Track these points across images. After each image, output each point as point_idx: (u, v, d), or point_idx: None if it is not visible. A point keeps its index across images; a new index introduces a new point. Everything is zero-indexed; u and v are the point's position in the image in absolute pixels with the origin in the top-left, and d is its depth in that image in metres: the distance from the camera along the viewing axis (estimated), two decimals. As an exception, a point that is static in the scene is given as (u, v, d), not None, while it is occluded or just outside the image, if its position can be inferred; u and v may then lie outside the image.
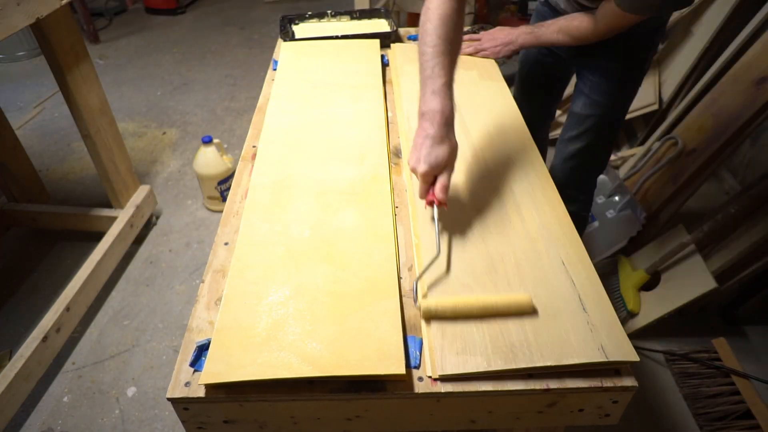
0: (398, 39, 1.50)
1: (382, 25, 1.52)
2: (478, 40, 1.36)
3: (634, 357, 0.64)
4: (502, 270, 0.77)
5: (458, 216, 0.87)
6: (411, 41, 1.51)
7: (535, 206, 0.89)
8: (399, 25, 3.11)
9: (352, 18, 1.56)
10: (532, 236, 0.83)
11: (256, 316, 0.71)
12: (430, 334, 0.69)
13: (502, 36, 1.32)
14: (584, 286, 0.74)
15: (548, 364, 0.64)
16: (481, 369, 0.64)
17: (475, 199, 0.91)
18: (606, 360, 0.64)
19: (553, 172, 1.36)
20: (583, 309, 0.71)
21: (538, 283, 0.75)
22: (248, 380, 0.63)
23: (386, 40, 1.43)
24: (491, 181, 0.95)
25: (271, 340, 0.67)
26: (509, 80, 1.32)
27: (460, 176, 0.95)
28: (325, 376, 0.63)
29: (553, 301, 0.72)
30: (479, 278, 0.76)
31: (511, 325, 0.69)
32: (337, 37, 1.39)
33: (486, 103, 1.18)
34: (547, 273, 0.77)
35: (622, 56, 1.19)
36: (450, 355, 0.66)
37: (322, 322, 0.70)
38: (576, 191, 1.42)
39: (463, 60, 1.35)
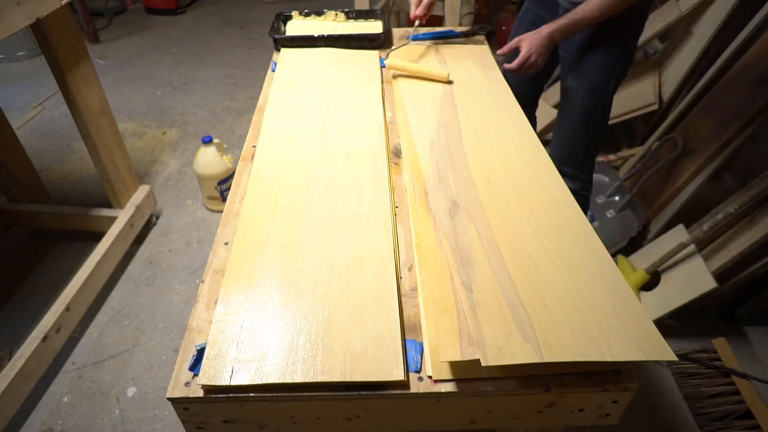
0: (389, 40, 1.50)
1: (376, 27, 1.52)
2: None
3: (671, 356, 0.62)
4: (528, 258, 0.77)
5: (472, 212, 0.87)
6: (411, 42, 1.51)
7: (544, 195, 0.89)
8: (399, 25, 3.09)
9: (348, 18, 1.56)
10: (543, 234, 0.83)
11: (250, 319, 0.70)
12: (429, 332, 0.69)
13: (537, 40, 1.24)
14: (610, 284, 0.72)
15: (588, 359, 0.62)
16: (528, 360, 0.62)
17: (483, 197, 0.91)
18: (645, 359, 0.62)
19: (552, 150, 1.45)
20: (614, 309, 0.68)
21: (563, 280, 0.73)
22: (244, 384, 0.63)
23: (375, 42, 1.43)
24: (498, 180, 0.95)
25: (267, 344, 0.67)
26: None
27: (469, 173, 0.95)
28: (322, 382, 0.63)
29: (582, 299, 0.70)
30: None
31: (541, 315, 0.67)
32: (323, 37, 1.40)
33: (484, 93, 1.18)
34: (570, 270, 0.74)
35: (603, 28, 1.26)
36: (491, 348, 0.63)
37: (318, 325, 0.70)
38: (575, 170, 1.44)
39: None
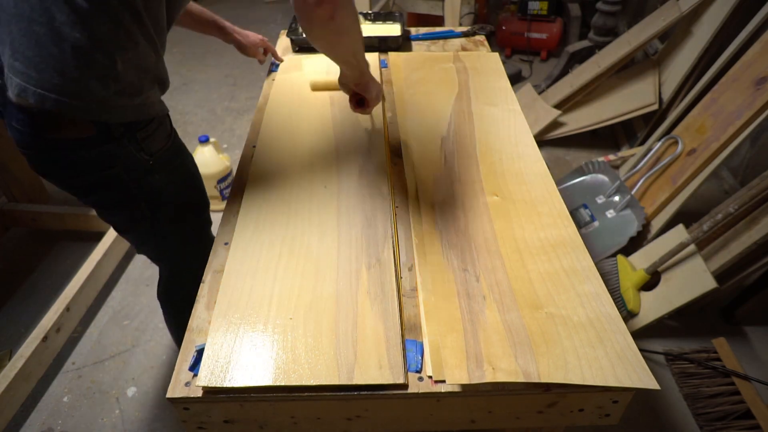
0: (407, 42, 1.49)
1: (393, 29, 1.51)
2: None
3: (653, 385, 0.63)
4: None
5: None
6: (411, 41, 1.51)
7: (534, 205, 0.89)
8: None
9: (366, 19, 1.55)
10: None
11: (250, 320, 0.70)
12: (429, 332, 0.69)
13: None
14: (594, 302, 0.73)
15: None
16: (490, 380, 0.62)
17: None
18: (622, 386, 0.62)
19: None
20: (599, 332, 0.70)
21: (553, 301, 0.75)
22: (243, 386, 0.63)
23: (393, 43, 1.42)
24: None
25: (266, 345, 0.67)
26: (510, 79, 1.32)
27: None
28: (321, 385, 0.63)
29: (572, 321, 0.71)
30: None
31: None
32: None
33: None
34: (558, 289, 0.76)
35: None
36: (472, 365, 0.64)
37: (318, 326, 0.69)
38: None
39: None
